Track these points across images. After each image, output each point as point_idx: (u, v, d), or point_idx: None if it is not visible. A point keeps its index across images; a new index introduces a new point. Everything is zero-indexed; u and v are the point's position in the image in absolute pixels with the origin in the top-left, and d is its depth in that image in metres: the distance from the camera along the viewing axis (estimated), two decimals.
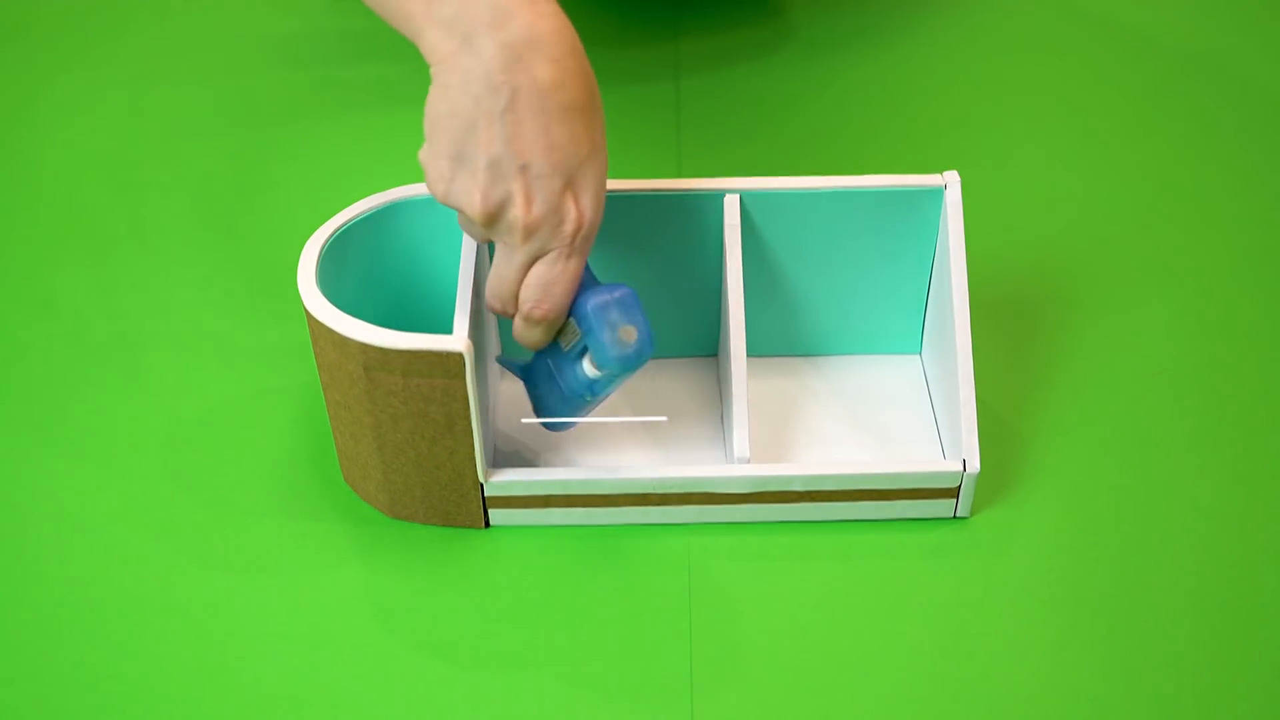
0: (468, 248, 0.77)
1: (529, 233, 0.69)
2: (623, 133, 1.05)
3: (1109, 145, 1.03)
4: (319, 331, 0.73)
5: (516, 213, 0.68)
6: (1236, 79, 1.09)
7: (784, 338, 0.86)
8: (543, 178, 0.68)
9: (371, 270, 0.81)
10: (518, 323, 0.73)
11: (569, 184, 0.69)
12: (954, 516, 0.79)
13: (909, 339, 0.86)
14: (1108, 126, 1.05)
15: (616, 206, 0.80)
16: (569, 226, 0.69)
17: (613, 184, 0.80)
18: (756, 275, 0.83)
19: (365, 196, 0.85)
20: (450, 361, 0.71)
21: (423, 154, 0.70)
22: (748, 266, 0.83)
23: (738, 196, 0.79)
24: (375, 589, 0.76)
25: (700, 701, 0.71)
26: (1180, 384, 0.86)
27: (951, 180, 0.79)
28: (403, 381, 0.72)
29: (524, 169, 0.68)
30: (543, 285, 0.71)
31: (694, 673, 0.72)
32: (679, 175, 1.01)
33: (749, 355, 0.87)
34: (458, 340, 0.71)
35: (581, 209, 0.69)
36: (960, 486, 0.77)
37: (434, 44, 0.68)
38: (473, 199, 0.68)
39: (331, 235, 0.77)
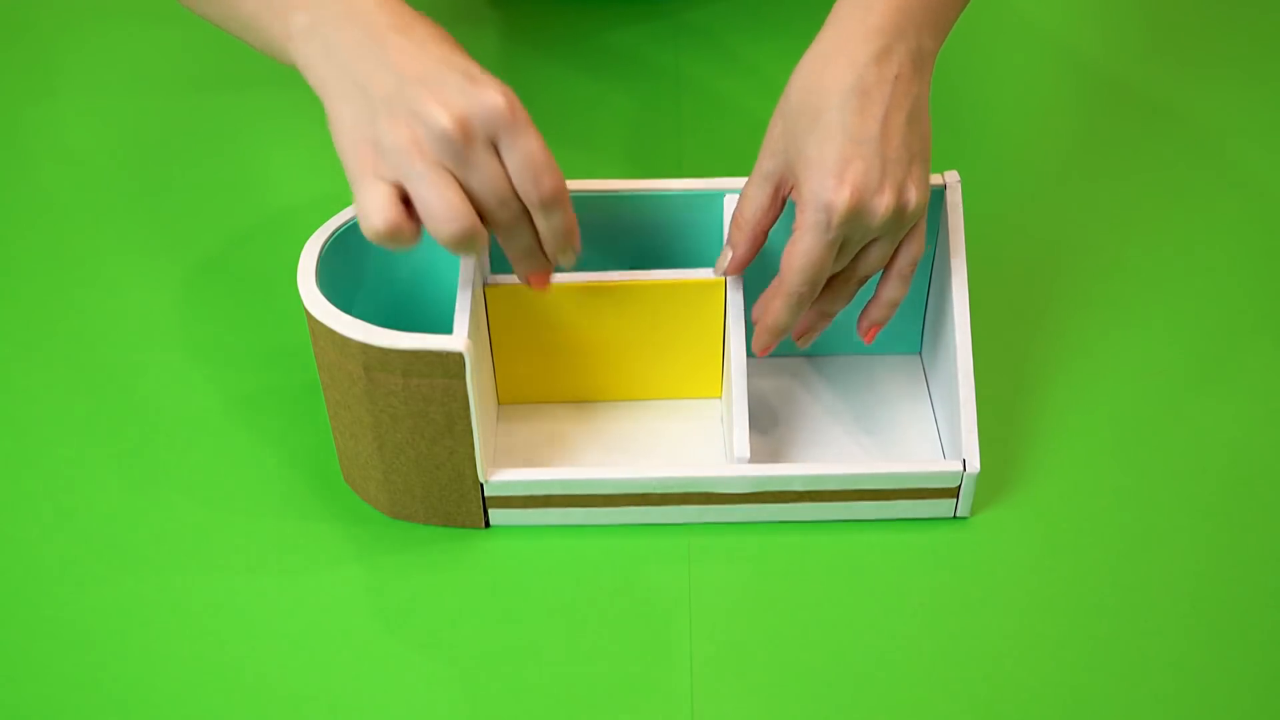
0: None
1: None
2: (623, 132, 1.05)
3: (1109, 145, 1.03)
4: (319, 331, 0.73)
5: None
6: (1237, 79, 1.09)
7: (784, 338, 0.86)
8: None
9: (371, 270, 0.81)
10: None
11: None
12: (954, 516, 0.79)
13: (909, 339, 0.86)
14: (1108, 126, 1.05)
15: (616, 206, 0.80)
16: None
17: (613, 184, 0.80)
18: (757, 275, 0.83)
19: None
20: (450, 361, 0.71)
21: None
22: (748, 266, 0.82)
23: (738, 196, 0.79)
24: (375, 589, 0.76)
25: (700, 701, 0.71)
26: (1180, 384, 0.86)
27: (951, 180, 0.80)
28: (403, 381, 0.72)
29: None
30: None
31: (694, 673, 0.72)
32: (679, 175, 1.01)
33: (749, 355, 0.87)
34: (458, 340, 0.71)
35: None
36: (960, 486, 0.77)
37: None
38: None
39: (331, 235, 0.77)
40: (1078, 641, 0.73)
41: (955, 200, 0.79)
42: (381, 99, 0.68)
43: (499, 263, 0.83)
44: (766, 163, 0.75)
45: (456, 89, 0.67)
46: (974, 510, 0.79)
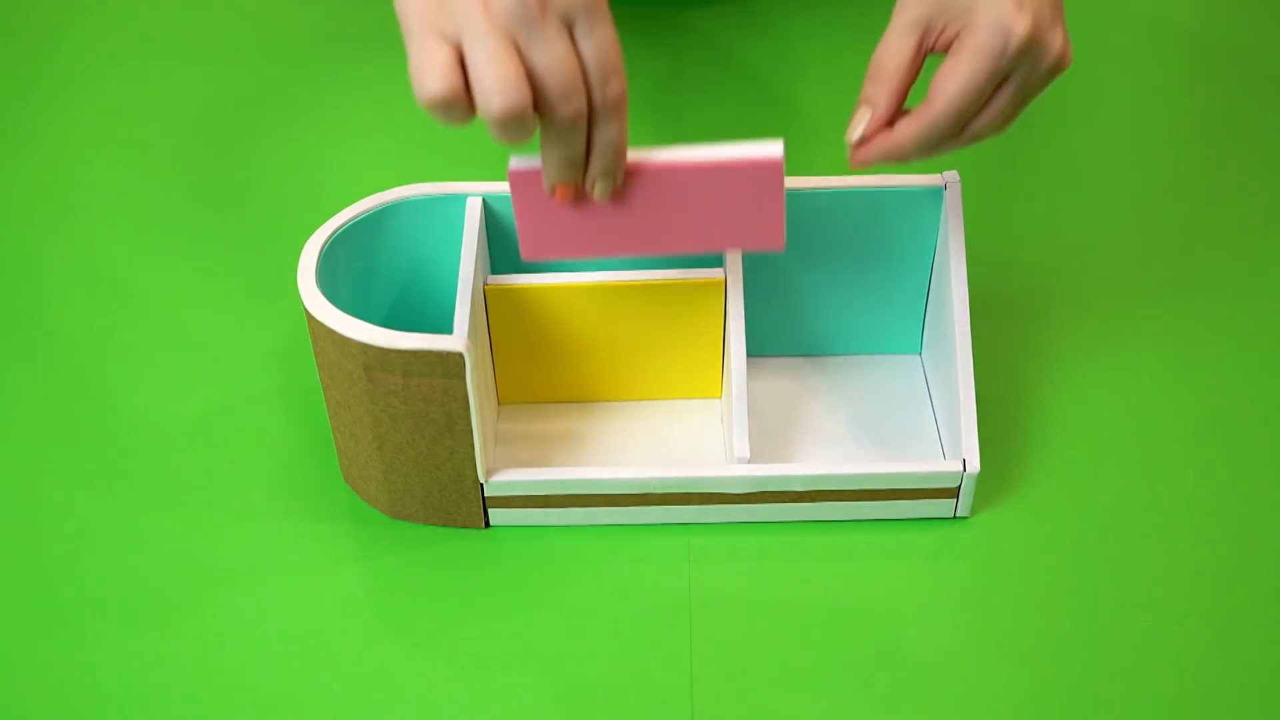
0: (468, 248, 0.77)
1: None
2: None
3: (1109, 145, 1.03)
4: (319, 331, 0.73)
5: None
6: (1237, 77, 1.09)
7: (784, 338, 0.86)
8: None
9: (371, 270, 0.81)
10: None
11: None
12: (954, 516, 0.79)
13: (909, 339, 0.87)
14: (1107, 125, 1.05)
15: None
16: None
17: None
18: (756, 275, 0.83)
19: (365, 196, 0.85)
20: (450, 361, 0.71)
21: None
22: (748, 266, 0.83)
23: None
24: (375, 589, 0.76)
25: (700, 701, 0.71)
26: (1180, 384, 0.86)
27: (951, 180, 0.80)
28: (403, 381, 0.72)
29: None
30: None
31: (694, 673, 0.72)
32: None
33: (749, 355, 0.87)
34: (458, 340, 0.71)
35: None
36: (960, 486, 0.77)
37: None
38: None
39: (331, 235, 0.77)
40: (1077, 641, 0.73)
41: (955, 200, 0.79)
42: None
43: (499, 263, 0.83)
44: (912, 9, 0.69)
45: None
46: (974, 510, 0.79)
